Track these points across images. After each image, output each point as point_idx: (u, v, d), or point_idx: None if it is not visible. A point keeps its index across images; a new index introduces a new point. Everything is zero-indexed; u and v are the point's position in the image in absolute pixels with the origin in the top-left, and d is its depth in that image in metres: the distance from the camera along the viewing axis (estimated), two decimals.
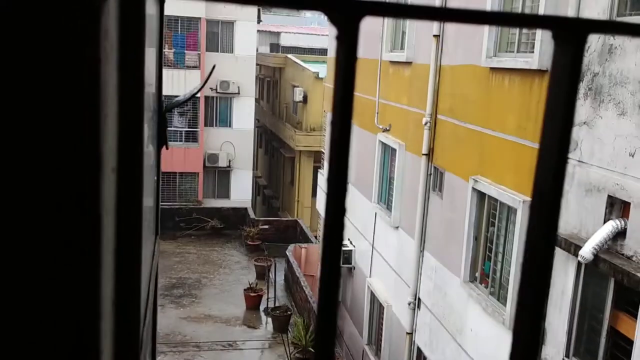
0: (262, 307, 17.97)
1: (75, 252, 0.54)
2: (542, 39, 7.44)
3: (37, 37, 0.48)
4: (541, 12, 7.46)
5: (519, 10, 8.24)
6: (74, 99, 0.50)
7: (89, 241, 0.55)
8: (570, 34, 0.42)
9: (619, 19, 6.32)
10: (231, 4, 0.39)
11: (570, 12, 6.90)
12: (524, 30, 8.19)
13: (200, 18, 25.53)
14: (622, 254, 6.16)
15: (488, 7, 8.68)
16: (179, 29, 25.68)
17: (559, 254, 7.03)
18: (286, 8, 0.40)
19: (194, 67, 25.48)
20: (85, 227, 0.54)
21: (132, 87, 0.79)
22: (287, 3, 0.40)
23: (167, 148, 1.95)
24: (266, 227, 23.33)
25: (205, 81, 2.80)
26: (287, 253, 19.50)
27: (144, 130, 1.39)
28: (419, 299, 11.07)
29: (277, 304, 17.67)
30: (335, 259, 0.42)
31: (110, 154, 0.64)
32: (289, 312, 17.03)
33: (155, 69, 1.74)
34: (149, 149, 1.55)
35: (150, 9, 1.41)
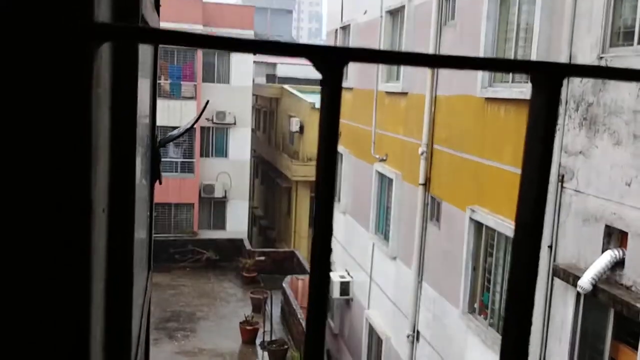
0: (258, 341, 17.74)
1: (64, 293, 0.54)
2: None
3: (31, 84, 0.49)
4: (534, 42, 7.54)
5: (514, 40, 8.33)
6: (65, 144, 0.51)
7: (78, 282, 0.55)
8: (547, 78, 0.43)
9: (612, 49, 6.38)
10: (223, 50, 0.37)
11: (563, 43, 6.98)
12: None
13: (196, 49, 25.77)
14: (621, 284, 6.11)
15: (482, 38, 8.78)
16: (175, 60, 25.91)
17: (558, 284, 6.97)
18: (273, 55, 0.40)
19: (190, 98, 25.64)
20: (74, 269, 0.54)
21: (125, 127, 0.80)
22: (274, 50, 0.41)
23: (160, 183, 1.93)
24: (262, 258, 23.17)
25: (199, 116, 2.80)
26: (284, 285, 19.34)
27: (137, 167, 1.37)
28: (418, 331, 10.94)
29: (273, 338, 17.45)
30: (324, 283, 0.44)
31: (101, 196, 0.64)
32: (286, 346, 16.80)
33: (149, 103, 1.73)
34: (142, 183, 1.53)
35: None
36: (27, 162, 0.50)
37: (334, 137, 0.39)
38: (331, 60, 0.39)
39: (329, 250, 0.43)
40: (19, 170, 0.50)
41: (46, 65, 0.48)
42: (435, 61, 0.45)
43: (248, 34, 26.87)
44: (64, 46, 0.48)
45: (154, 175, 1.87)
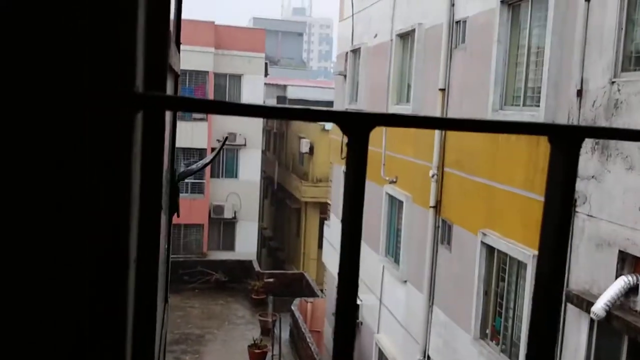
0: None
1: (102, 348, 0.57)
2: (548, 93, 7.49)
3: (78, 152, 0.53)
4: (545, 66, 7.54)
5: (524, 64, 8.33)
6: (107, 202, 0.55)
7: (114, 336, 0.58)
8: (566, 140, 0.43)
9: (623, 74, 6.36)
10: (254, 117, 0.38)
11: (574, 67, 6.96)
12: (529, 84, 8.27)
13: (208, 72, 26.03)
14: (635, 311, 6.02)
15: (493, 62, 8.79)
16: (187, 82, 26.15)
17: (571, 310, 6.87)
18: (303, 120, 0.40)
19: (201, 120, 25.82)
20: (111, 322, 0.58)
21: (152, 183, 0.83)
22: (304, 116, 0.42)
23: (178, 216, 1.93)
24: (271, 280, 23.09)
25: (218, 151, 2.82)
26: (293, 308, 19.22)
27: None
28: (429, 356, 10.81)
29: None
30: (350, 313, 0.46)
31: (133, 248, 0.68)
32: None
33: (169, 141, 1.73)
34: (162, 218, 1.53)
35: (169, 83, 1.40)
36: (71, 220, 0.54)
37: (360, 198, 0.39)
38: (358, 126, 0.40)
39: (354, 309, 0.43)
40: (61, 227, 0.54)
41: (93, 130, 0.52)
42: (458, 125, 0.45)
43: (259, 56, 27.12)
44: (109, 113, 0.52)
45: (173, 209, 1.88)
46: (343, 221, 0.42)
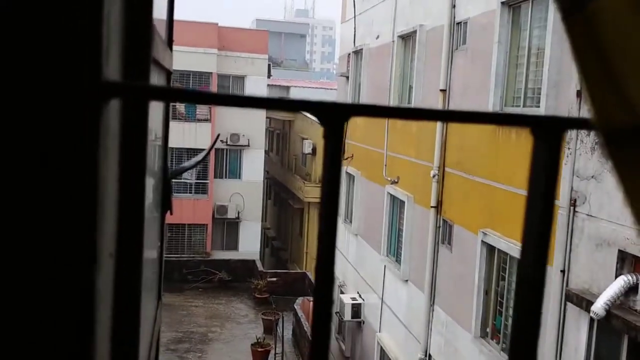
0: None
1: (69, 343, 0.55)
2: (548, 93, 7.54)
3: (41, 138, 0.51)
4: (545, 66, 7.58)
5: (525, 65, 8.37)
6: (71, 194, 0.53)
7: (81, 329, 0.56)
8: (547, 132, 0.44)
9: None
10: (230, 107, 0.42)
11: (575, 70, 6.99)
12: (530, 85, 8.31)
13: (211, 73, 26.07)
14: (635, 310, 6.05)
15: (493, 63, 8.83)
16: (191, 83, 26.19)
17: (571, 309, 6.91)
18: (281, 110, 0.43)
19: (205, 121, 25.85)
20: (78, 318, 0.55)
21: (133, 177, 0.82)
22: (282, 106, 0.44)
23: (171, 213, 1.97)
24: (274, 279, 23.13)
25: (210, 149, 2.86)
26: (295, 307, 19.25)
27: (148, 201, 1.41)
28: (430, 355, 10.84)
29: None
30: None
31: (108, 241, 0.66)
32: None
33: (161, 137, 1.78)
34: (153, 215, 1.57)
35: (158, 79, 1.45)
36: (33, 212, 0.52)
37: (336, 188, 0.42)
38: (334, 116, 0.42)
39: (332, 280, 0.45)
40: (26, 221, 0.52)
41: (56, 121, 0.51)
42: (438, 116, 0.47)
43: (262, 57, 27.15)
44: (73, 103, 0.51)
45: (165, 206, 1.91)
46: (320, 211, 0.43)
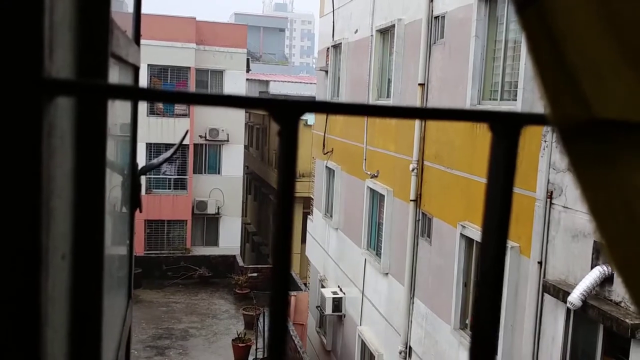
0: (250, 358, 17.61)
1: (18, 348, 0.53)
2: (525, 87, 7.60)
3: None
4: (522, 60, 7.65)
5: (502, 58, 8.43)
6: (9, 194, 0.51)
7: (30, 335, 0.54)
8: (506, 128, 0.44)
9: None
10: (198, 105, 0.41)
11: None
12: (507, 79, 8.38)
13: (189, 67, 25.88)
14: (610, 300, 6.15)
15: (471, 57, 8.89)
16: (169, 78, 25.98)
17: (548, 300, 7.00)
18: (236, 108, 0.43)
19: (183, 115, 25.68)
20: (24, 319, 0.53)
21: (91, 176, 0.80)
22: (237, 103, 0.44)
23: (140, 211, 1.95)
24: (255, 275, 23.09)
25: (178, 145, 2.84)
26: None
27: (117, 199, 1.39)
28: (410, 347, 10.92)
29: (266, 355, 17.33)
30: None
31: (59, 241, 0.64)
32: None
33: (130, 130, 1.75)
34: (121, 213, 1.55)
35: (123, 75, 1.43)
36: None
37: (291, 181, 0.42)
38: (287, 113, 0.42)
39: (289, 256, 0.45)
40: None
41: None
42: (395, 112, 0.47)
43: (241, 52, 27.02)
44: (12, 101, 0.49)
45: (134, 203, 1.89)
46: (274, 210, 0.44)
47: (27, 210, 0.52)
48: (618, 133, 0.38)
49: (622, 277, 0.39)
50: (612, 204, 0.38)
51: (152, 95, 0.43)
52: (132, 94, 0.44)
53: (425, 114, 0.48)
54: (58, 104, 0.60)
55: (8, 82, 0.49)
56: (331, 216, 15.79)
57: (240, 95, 0.42)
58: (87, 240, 0.79)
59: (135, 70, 1.75)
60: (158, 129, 24.66)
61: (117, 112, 1.29)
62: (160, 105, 25.51)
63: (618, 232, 0.38)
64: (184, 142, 24.93)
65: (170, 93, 0.42)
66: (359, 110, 0.47)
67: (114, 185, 1.23)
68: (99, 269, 0.84)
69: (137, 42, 1.78)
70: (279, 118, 0.42)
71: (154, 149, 23.84)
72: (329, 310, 14.63)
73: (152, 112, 25.14)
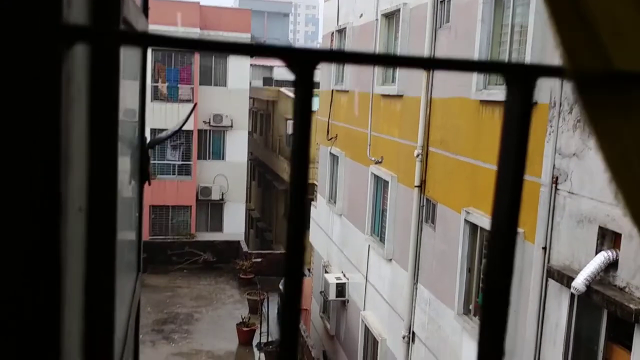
0: (255, 342, 17.74)
1: (37, 296, 0.53)
2: None
3: None
4: (529, 44, 7.59)
5: (508, 42, 8.37)
6: (33, 143, 0.51)
7: (49, 281, 0.54)
8: (520, 79, 0.43)
9: None
10: (193, 51, 0.40)
11: (557, 50, 7.00)
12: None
13: (193, 52, 25.78)
14: (615, 285, 6.15)
15: (477, 41, 8.82)
16: (173, 64, 25.92)
17: (552, 285, 7.01)
18: (246, 55, 0.42)
19: (188, 101, 25.64)
20: (44, 266, 0.53)
21: (105, 126, 0.80)
22: (248, 51, 0.43)
23: (149, 184, 1.95)
24: (259, 260, 23.19)
25: (187, 118, 2.82)
26: (280, 287, 19.34)
27: (124, 167, 1.38)
28: (413, 332, 10.97)
29: (270, 339, 17.46)
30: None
31: (76, 194, 0.64)
32: None
33: (138, 105, 1.75)
34: (130, 183, 1.55)
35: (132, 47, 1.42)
36: None
37: (306, 135, 0.41)
38: (303, 62, 0.41)
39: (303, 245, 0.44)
40: None
41: (13, 66, 0.48)
42: (410, 62, 0.45)
43: (245, 37, 26.91)
44: (32, 48, 0.48)
45: (143, 176, 1.89)
46: (291, 164, 0.42)
47: (47, 158, 0.51)
48: (634, 85, 0.37)
49: (638, 226, 0.38)
50: (627, 154, 0.38)
51: (168, 42, 0.42)
52: (147, 40, 0.43)
53: (443, 64, 0.46)
54: (74, 55, 0.59)
55: (29, 29, 0.48)
56: (335, 202, 15.79)
57: (257, 44, 0.41)
58: (100, 192, 0.79)
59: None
60: (162, 114, 24.63)
61: (126, 92, 1.28)
62: (164, 91, 25.47)
63: (633, 181, 0.38)
64: (189, 128, 24.92)
65: (186, 40, 0.41)
66: (375, 60, 0.46)
67: (124, 153, 1.22)
68: (113, 223, 0.84)
69: (145, 14, 1.77)
70: (294, 67, 0.41)
71: (157, 134, 23.84)
72: (332, 295, 14.69)
73: (155, 97, 25.12)
